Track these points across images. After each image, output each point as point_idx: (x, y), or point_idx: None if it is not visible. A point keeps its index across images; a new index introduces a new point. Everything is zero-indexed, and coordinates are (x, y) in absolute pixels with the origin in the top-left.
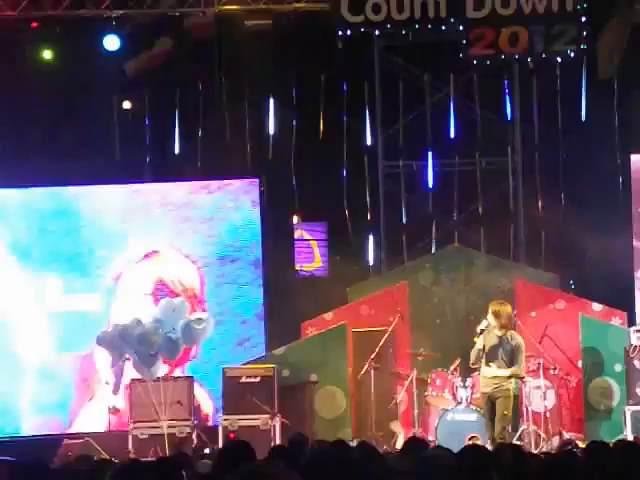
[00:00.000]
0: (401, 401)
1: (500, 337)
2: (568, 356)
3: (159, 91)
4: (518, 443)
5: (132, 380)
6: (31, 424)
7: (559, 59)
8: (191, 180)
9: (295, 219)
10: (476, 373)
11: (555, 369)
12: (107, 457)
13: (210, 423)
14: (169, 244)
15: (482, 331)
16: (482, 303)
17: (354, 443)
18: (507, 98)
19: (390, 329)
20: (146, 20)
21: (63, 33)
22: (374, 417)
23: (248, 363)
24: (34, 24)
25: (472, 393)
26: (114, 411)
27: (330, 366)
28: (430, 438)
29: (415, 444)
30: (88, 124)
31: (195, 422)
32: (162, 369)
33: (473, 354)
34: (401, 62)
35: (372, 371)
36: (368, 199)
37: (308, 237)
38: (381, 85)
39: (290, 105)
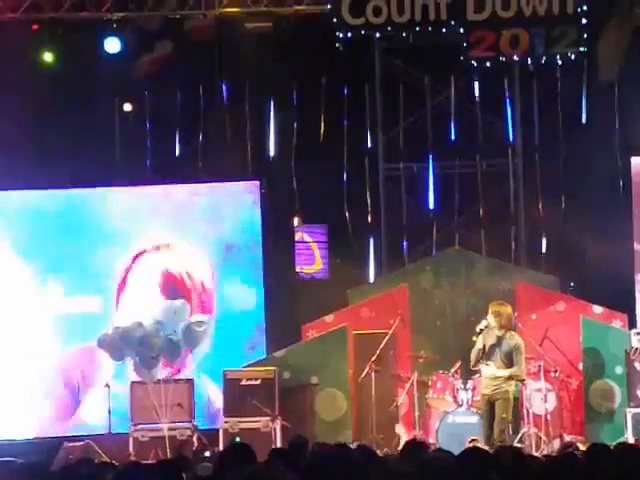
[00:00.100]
0: (402, 404)
1: (499, 337)
2: (569, 358)
3: (160, 93)
4: (519, 445)
5: (132, 382)
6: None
7: (559, 61)
8: (192, 182)
9: (296, 221)
10: (477, 375)
11: (556, 371)
12: (108, 460)
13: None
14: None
15: (481, 330)
16: (483, 306)
17: (353, 446)
18: (507, 100)
19: (391, 332)
20: (147, 23)
21: (64, 35)
22: (375, 420)
23: (249, 365)
24: (35, 26)
25: (473, 395)
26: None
27: (331, 368)
28: (431, 441)
29: (414, 446)
30: (89, 126)
31: (195, 424)
32: (162, 371)
33: (473, 354)
34: (401, 65)
35: (373, 373)
36: (369, 201)
37: (308, 239)
38: (382, 87)
39: (291, 107)
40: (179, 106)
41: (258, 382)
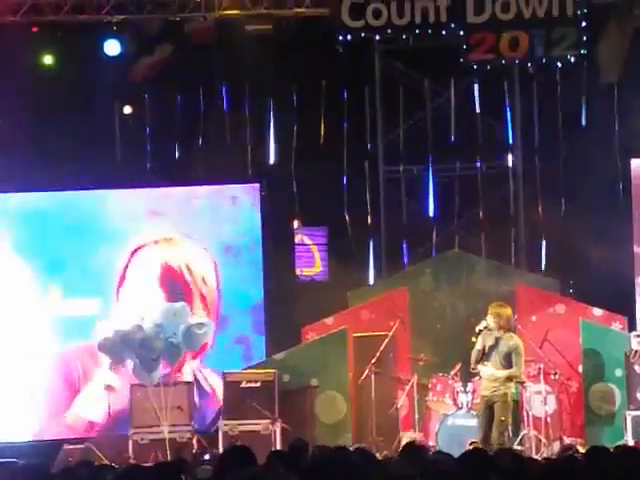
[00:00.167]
0: (402, 406)
1: (497, 338)
2: (568, 361)
3: (160, 96)
4: (519, 448)
5: (132, 385)
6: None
7: (559, 64)
8: (192, 185)
9: (295, 224)
10: (477, 378)
11: (556, 374)
12: (107, 462)
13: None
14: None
15: (480, 331)
16: (483, 308)
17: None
18: (507, 103)
19: (391, 334)
20: (147, 25)
21: (64, 38)
22: (375, 422)
23: (248, 368)
24: (35, 29)
25: (473, 398)
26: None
27: (330, 371)
28: (431, 443)
29: (414, 449)
30: (89, 129)
31: (195, 427)
32: (162, 370)
33: (473, 355)
34: (401, 67)
35: (373, 376)
36: (368, 204)
37: (308, 242)
38: (381, 90)
39: (290, 110)
40: (179, 108)
41: (258, 385)
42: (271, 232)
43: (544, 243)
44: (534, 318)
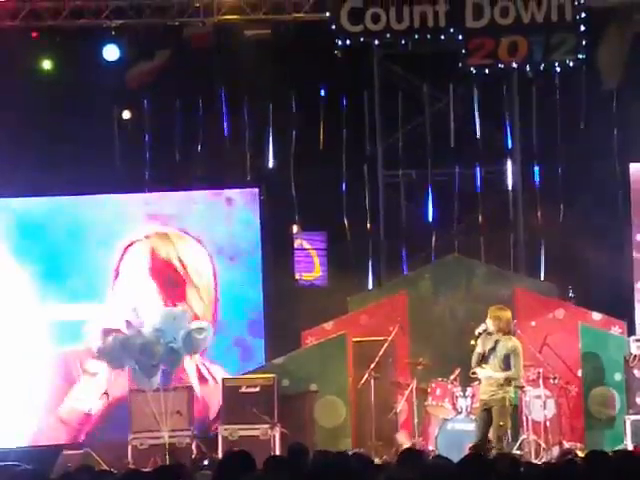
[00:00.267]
0: (401, 411)
1: (497, 341)
2: (568, 365)
3: (159, 101)
4: (518, 452)
5: (131, 390)
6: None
7: (558, 69)
8: (191, 189)
9: (295, 228)
10: (476, 382)
11: (555, 378)
12: (107, 468)
13: None
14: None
15: (479, 334)
16: (482, 313)
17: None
18: (506, 107)
19: (390, 339)
20: (146, 30)
21: (63, 43)
22: (374, 427)
23: (248, 373)
24: (34, 34)
25: (472, 403)
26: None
27: (330, 376)
28: (430, 448)
29: (412, 454)
30: (88, 134)
31: (195, 432)
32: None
33: (473, 359)
34: (400, 72)
35: (372, 381)
36: (368, 208)
37: (308, 246)
38: (380, 95)
39: (289, 114)
40: (178, 113)
41: (257, 389)
42: (270, 237)
43: (543, 248)
44: (533, 323)
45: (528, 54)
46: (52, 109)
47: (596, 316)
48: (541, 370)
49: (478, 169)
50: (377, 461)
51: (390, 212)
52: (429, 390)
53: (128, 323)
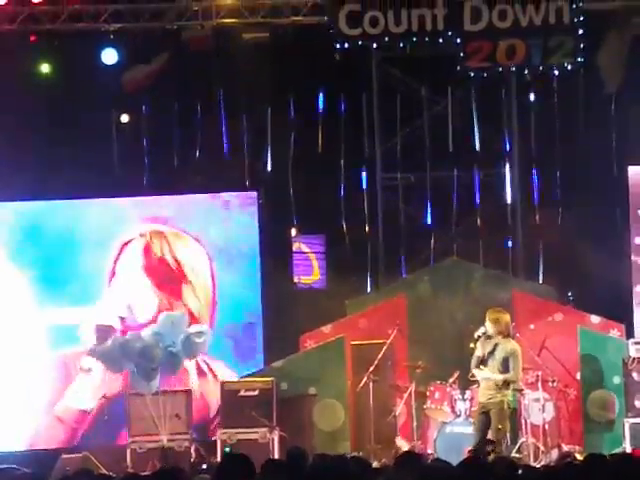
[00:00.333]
0: (400, 414)
1: (496, 344)
2: (567, 368)
3: (157, 104)
4: (517, 456)
5: (129, 394)
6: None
7: (556, 72)
8: (189, 193)
9: (293, 232)
10: (475, 385)
11: (554, 381)
12: (105, 472)
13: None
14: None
15: (479, 337)
16: (480, 316)
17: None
18: (504, 110)
19: (389, 342)
20: (144, 34)
21: (61, 47)
22: (373, 430)
23: (247, 376)
24: (32, 38)
25: (471, 406)
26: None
27: (329, 379)
28: (429, 451)
29: (410, 458)
30: (86, 138)
31: (193, 436)
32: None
33: (473, 361)
34: (399, 75)
35: (371, 384)
36: (366, 212)
37: (306, 250)
38: (379, 98)
39: (288, 117)
40: (176, 117)
41: (256, 393)
42: (269, 240)
43: (542, 251)
44: (532, 326)
45: (526, 57)
46: (50, 113)
47: (595, 319)
48: (540, 373)
49: (476, 172)
50: (376, 464)
51: (389, 215)
52: (428, 393)
53: (121, 319)
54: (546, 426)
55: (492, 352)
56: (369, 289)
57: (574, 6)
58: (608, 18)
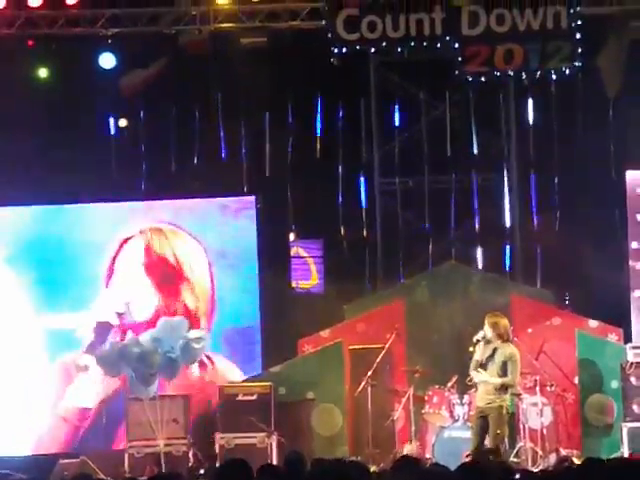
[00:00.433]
0: (398, 418)
1: (495, 348)
2: (565, 372)
3: (155, 109)
4: (515, 460)
5: (128, 398)
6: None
7: (554, 76)
8: (187, 198)
9: (291, 236)
10: (473, 390)
11: (552, 386)
12: (103, 477)
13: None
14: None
15: (478, 341)
16: (478, 320)
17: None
18: (502, 115)
19: (387, 346)
20: (142, 38)
21: (59, 51)
22: (371, 434)
23: (245, 381)
24: (30, 42)
25: (469, 410)
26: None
27: (327, 383)
28: (427, 455)
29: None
30: (84, 142)
31: (191, 440)
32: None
33: (471, 365)
34: (397, 79)
35: (369, 388)
36: (364, 216)
37: (304, 254)
38: (377, 102)
39: (286, 122)
40: (174, 121)
41: (254, 397)
42: (267, 245)
43: (540, 255)
44: (530, 330)
45: (524, 62)
46: (48, 117)
47: (593, 323)
48: (538, 377)
49: (475, 177)
50: (374, 469)
51: (387, 220)
52: (426, 398)
53: (119, 315)
54: (544, 430)
55: (491, 356)
56: (367, 293)
57: (572, 11)
58: (606, 23)
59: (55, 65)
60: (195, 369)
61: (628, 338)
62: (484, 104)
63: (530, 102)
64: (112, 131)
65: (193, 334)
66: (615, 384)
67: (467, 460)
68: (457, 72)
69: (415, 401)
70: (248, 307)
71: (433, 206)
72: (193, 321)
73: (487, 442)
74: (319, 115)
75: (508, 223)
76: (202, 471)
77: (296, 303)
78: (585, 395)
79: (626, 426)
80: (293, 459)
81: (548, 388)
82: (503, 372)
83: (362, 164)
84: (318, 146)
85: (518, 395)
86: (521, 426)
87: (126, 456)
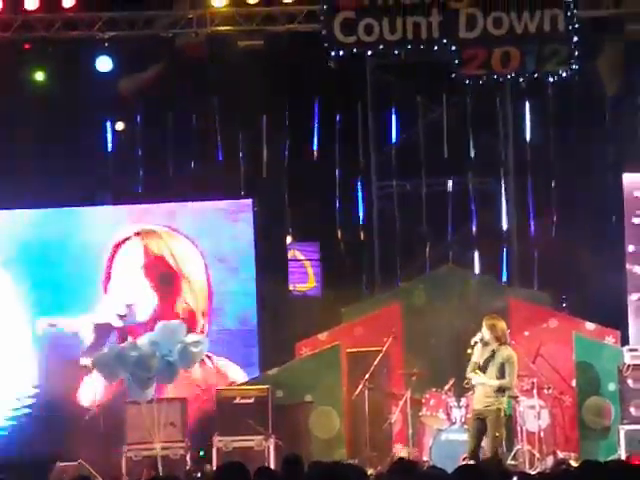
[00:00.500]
0: (395, 421)
1: (493, 351)
2: (562, 375)
3: (152, 112)
4: (513, 463)
5: (126, 402)
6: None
7: (551, 79)
8: (184, 200)
9: (288, 239)
10: (470, 393)
11: (549, 388)
12: None
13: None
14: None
15: (476, 343)
16: (476, 323)
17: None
18: (500, 118)
19: (384, 349)
20: (138, 41)
21: (56, 55)
22: (368, 437)
23: (242, 384)
24: (26, 46)
25: (466, 413)
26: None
27: (324, 386)
28: (425, 458)
29: (403, 465)
30: (81, 145)
31: (189, 443)
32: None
33: (469, 367)
34: (394, 82)
35: (366, 391)
36: (361, 219)
37: (301, 257)
38: (374, 105)
39: (283, 125)
40: (171, 124)
41: (251, 400)
42: (264, 248)
43: (537, 258)
44: (527, 333)
45: (521, 65)
46: (45, 121)
47: (590, 326)
48: (535, 380)
49: (472, 180)
50: (371, 472)
51: (384, 223)
52: (423, 400)
53: (120, 317)
54: (541, 433)
55: (490, 359)
56: (365, 297)
57: (569, 14)
58: (603, 25)
59: (52, 68)
60: (197, 369)
61: (625, 341)
62: (481, 107)
63: (527, 105)
64: (109, 134)
65: (191, 338)
66: (612, 387)
67: (464, 463)
68: (454, 75)
69: (412, 404)
70: (245, 310)
71: (430, 209)
72: (192, 321)
73: (484, 444)
74: (316, 118)
75: (505, 226)
76: (199, 474)
77: (293, 306)
78: (582, 398)
79: (623, 429)
80: (291, 461)
81: (545, 391)
82: (501, 374)
83: (359, 167)
84: (315, 149)
85: (515, 398)
86: (518, 429)
87: (123, 459)
